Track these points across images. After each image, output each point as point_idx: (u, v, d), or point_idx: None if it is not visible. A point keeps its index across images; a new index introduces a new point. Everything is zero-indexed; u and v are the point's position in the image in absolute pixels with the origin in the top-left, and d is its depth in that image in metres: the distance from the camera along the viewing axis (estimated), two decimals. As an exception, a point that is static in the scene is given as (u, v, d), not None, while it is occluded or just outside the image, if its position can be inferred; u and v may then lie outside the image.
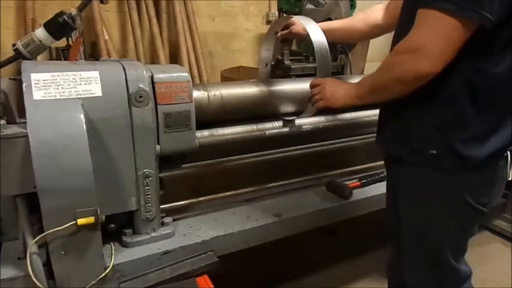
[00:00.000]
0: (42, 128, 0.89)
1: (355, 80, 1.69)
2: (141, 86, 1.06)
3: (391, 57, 0.99)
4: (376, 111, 1.71)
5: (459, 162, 0.98)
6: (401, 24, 1.08)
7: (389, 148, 1.16)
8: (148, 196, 1.15)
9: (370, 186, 1.62)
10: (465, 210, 1.04)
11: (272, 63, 1.95)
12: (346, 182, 1.59)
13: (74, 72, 1.00)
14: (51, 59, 2.91)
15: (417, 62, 0.90)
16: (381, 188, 1.60)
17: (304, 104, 1.54)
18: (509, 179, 1.08)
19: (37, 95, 0.94)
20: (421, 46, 0.89)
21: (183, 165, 1.31)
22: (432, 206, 1.06)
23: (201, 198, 1.38)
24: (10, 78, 1.14)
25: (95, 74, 1.02)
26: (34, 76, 0.95)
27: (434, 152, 1.00)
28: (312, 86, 1.30)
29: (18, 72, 0.99)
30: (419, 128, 1.03)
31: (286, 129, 1.48)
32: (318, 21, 1.45)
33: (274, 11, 4.05)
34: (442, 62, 0.88)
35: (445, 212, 1.06)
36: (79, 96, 0.99)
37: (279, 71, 1.76)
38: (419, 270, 1.15)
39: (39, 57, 1.23)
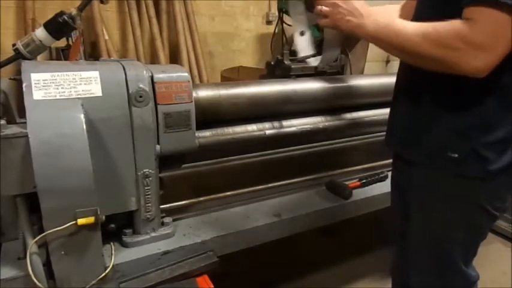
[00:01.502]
0: (42, 128, 0.89)
1: (357, 81, 1.70)
2: (141, 86, 1.06)
3: (446, 35, 0.85)
4: (377, 111, 1.73)
5: (482, 167, 0.94)
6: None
7: (402, 151, 1.11)
8: (148, 196, 1.15)
9: (370, 186, 1.61)
10: (480, 214, 1.01)
11: (272, 63, 1.95)
12: (346, 182, 1.59)
13: (74, 72, 1.00)
14: (51, 59, 2.91)
15: (475, 58, 0.82)
16: (381, 188, 1.60)
17: (304, 103, 1.54)
18: None
19: (37, 95, 0.94)
20: (482, 43, 0.81)
21: (183, 165, 1.31)
22: (447, 210, 1.03)
23: (201, 198, 1.38)
24: (10, 78, 1.14)
25: (95, 74, 1.02)
26: (34, 76, 0.95)
27: (456, 155, 0.95)
28: None
29: (18, 72, 0.99)
30: (438, 130, 0.98)
31: (286, 129, 1.48)
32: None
33: (274, 11, 4.05)
34: (494, 65, 0.82)
35: (459, 216, 1.03)
36: (79, 96, 0.98)
37: (279, 71, 1.76)
38: (426, 273, 1.12)
39: (39, 57, 1.23)
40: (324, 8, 1.10)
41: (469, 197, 1.00)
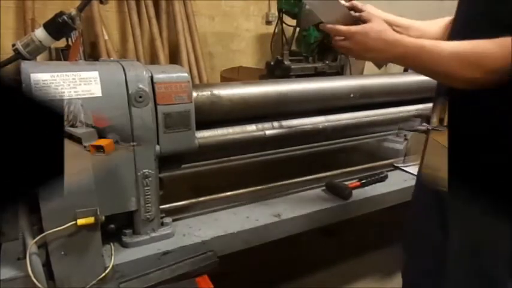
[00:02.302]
0: (42, 128, 0.89)
1: (356, 81, 1.70)
2: (140, 86, 1.06)
3: (489, 55, 0.80)
4: (377, 112, 1.73)
5: None
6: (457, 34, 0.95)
7: None
8: (148, 196, 1.14)
9: (370, 186, 1.61)
10: None
11: (272, 63, 1.95)
12: (346, 182, 1.59)
13: (74, 73, 1.00)
14: (50, 59, 2.91)
15: None
16: (381, 188, 1.60)
17: (304, 103, 1.54)
18: None
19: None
20: None
21: (183, 165, 1.31)
22: (493, 226, 0.96)
23: (201, 198, 1.37)
24: (10, 79, 1.14)
25: (94, 75, 1.02)
26: (34, 76, 0.95)
27: None
28: (337, 34, 0.97)
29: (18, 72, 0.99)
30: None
31: (286, 129, 1.48)
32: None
33: (274, 11, 4.05)
34: None
35: (507, 232, 0.95)
36: (79, 96, 0.99)
37: (279, 71, 1.77)
38: None
39: (38, 58, 1.23)
40: (340, 42, 0.96)
41: None
